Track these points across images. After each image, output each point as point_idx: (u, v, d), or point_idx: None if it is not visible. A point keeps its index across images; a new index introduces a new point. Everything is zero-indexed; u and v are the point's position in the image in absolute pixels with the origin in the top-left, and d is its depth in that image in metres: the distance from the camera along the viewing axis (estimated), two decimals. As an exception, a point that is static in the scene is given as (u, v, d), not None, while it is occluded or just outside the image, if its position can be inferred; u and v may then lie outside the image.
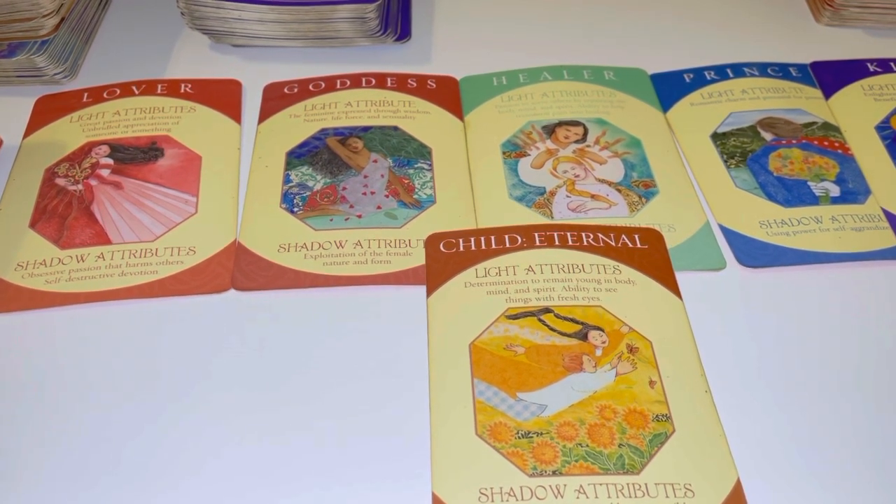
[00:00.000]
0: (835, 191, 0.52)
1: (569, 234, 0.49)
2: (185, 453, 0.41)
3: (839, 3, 0.64)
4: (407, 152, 0.56)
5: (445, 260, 0.48)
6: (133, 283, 0.48)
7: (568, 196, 0.53)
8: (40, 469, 0.40)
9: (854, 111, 0.58)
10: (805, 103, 0.59)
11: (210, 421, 0.42)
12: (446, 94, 0.60)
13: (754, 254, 0.49)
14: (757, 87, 0.60)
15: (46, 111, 0.59)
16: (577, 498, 0.38)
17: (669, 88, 0.60)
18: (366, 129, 0.57)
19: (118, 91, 0.60)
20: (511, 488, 0.38)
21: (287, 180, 0.54)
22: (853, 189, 0.53)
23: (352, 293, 0.48)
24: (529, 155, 0.55)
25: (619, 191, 0.53)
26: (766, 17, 0.67)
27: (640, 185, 0.53)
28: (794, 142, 0.56)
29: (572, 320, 0.45)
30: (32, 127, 0.58)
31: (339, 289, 0.48)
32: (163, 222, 0.51)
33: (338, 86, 0.61)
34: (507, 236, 0.49)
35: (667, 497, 0.38)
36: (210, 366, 0.44)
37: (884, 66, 0.61)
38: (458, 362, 0.43)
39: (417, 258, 0.49)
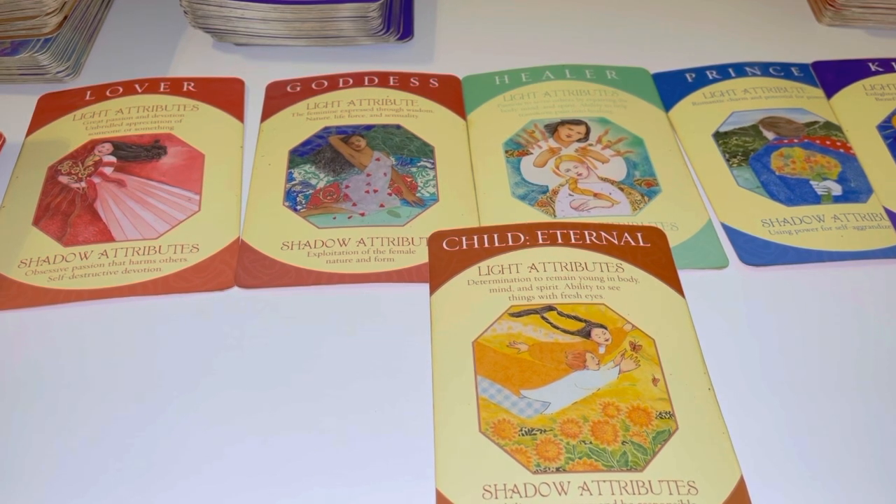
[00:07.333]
0: (837, 190, 0.53)
1: (571, 232, 0.49)
2: (187, 451, 0.41)
3: (841, 4, 0.64)
4: (410, 151, 0.56)
5: (448, 258, 0.48)
6: (136, 281, 0.48)
7: (570, 194, 0.53)
8: (44, 466, 0.40)
9: (856, 111, 0.58)
10: (807, 103, 0.59)
11: (213, 418, 0.42)
12: (449, 93, 0.60)
13: (757, 252, 0.49)
14: (759, 87, 0.60)
15: (49, 109, 0.59)
16: (581, 495, 0.38)
17: (671, 88, 0.61)
18: (368, 127, 0.57)
19: (121, 89, 0.61)
20: (515, 485, 0.38)
21: (290, 178, 0.54)
22: (855, 188, 0.53)
23: (355, 291, 0.48)
24: (532, 154, 0.55)
25: (622, 189, 0.53)
26: (767, 17, 0.68)
27: (642, 183, 0.53)
28: (795, 141, 0.56)
29: (575, 318, 0.45)
30: (35, 125, 0.58)
31: (342, 286, 0.48)
32: (166, 220, 0.51)
33: (340, 84, 0.61)
34: (509, 234, 0.49)
35: (670, 494, 0.38)
36: (213, 363, 0.44)
37: (885, 65, 0.62)
38: (462, 360, 0.43)
39: (420, 256, 0.49)
